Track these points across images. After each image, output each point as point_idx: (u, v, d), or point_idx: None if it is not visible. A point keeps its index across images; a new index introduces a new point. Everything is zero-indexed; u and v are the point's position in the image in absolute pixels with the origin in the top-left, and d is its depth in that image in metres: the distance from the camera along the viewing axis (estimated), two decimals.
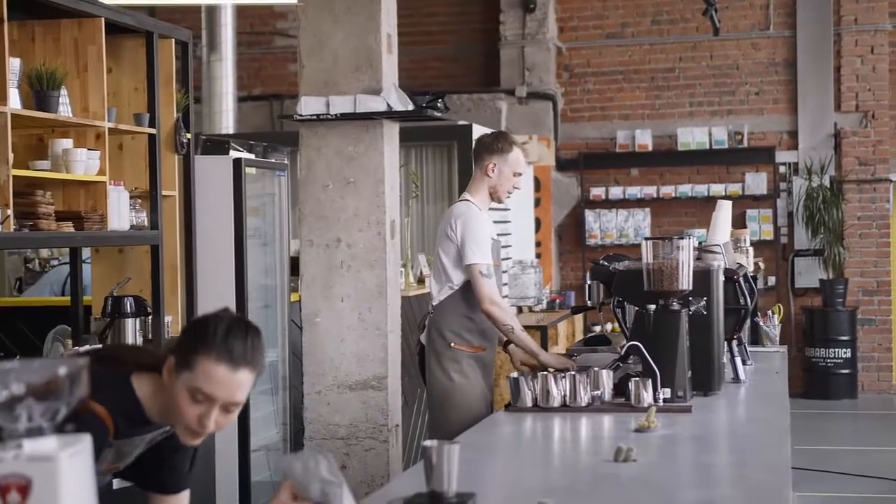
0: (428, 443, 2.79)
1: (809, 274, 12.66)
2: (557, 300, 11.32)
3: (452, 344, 5.25)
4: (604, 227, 13.05)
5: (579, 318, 11.38)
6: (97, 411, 2.65)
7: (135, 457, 2.87)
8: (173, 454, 2.93)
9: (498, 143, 5.41)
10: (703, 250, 5.23)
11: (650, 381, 4.28)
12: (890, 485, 8.41)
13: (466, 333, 5.24)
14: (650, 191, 12.91)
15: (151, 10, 12.45)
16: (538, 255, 12.30)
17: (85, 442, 1.84)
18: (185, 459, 2.98)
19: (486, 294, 5.14)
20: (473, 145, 5.61)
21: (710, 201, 12.62)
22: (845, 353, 12.32)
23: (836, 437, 10.81)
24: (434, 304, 5.36)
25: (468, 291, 5.22)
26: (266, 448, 6.77)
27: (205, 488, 5.89)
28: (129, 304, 5.53)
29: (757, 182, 12.75)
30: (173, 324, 5.95)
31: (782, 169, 12.84)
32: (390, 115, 6.04)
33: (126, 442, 2.79)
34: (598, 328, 11.89)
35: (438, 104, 6.46)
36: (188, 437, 2.73)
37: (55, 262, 8.09)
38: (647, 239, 4.53)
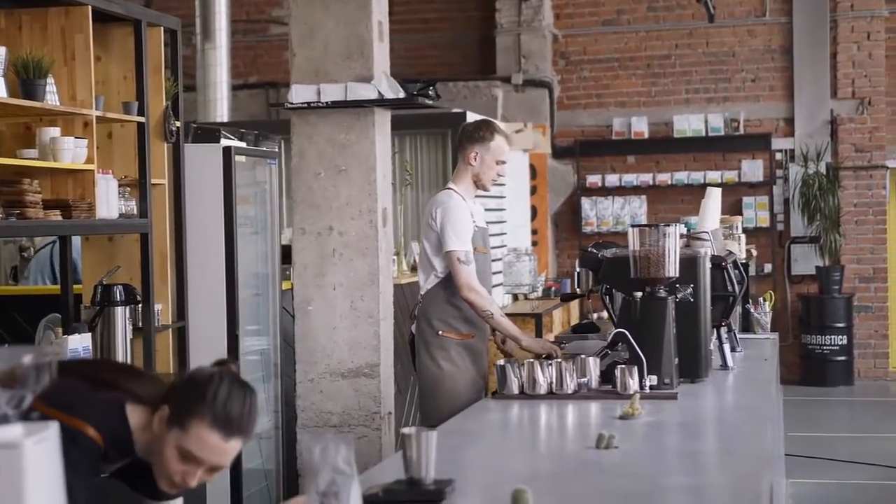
0: (406, 430, 2.80)
1: (806, 261, 12.66)
2: (553, 288, 11.32)
3: (440, 332, 5.28)
4: (600, 214, 13.05)
5: (575, 305, 11.38)
6: (91, 435, 2.62)
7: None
8: None
9: (479, 131, 5.42)
10: (691, 237, 5.23)
11: (636, 368, 4.28)
12: (885, 471, 8.43)
13: (453, 321, 5.27)
14: (646, 178, 12.91)
15: None
16: (534, 243, 12.31)
17: (51, 429, 1.84)
18: None
19: (463, 281, 5.17)
20: (458, 134, 5.62)
21: (706, 189, 12.58)
22: (841, 340, 12.32)
23: (832, 423, 10.82)
24: (421, 293, 5.40)
25: (453, 279, 5.25)
26: (258, 436, 6.77)
27: None
28: (118, 293, 5.53)
29: (753, 169, 12.74)
30: (163, 312, 5.95)
31: (778, 156, 12.83)
32: (381, 102, 6.04)
33: (111, 467, 2.77)
34: (594, 316, 11.91)
35: (430, 92, 6.45)
36: (168, 488, 2.71)
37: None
38: (633, 226, 4.53)
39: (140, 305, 5.67)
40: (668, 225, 4.50)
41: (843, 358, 12.36)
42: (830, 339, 12.32)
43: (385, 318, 6.15)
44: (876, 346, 12.71)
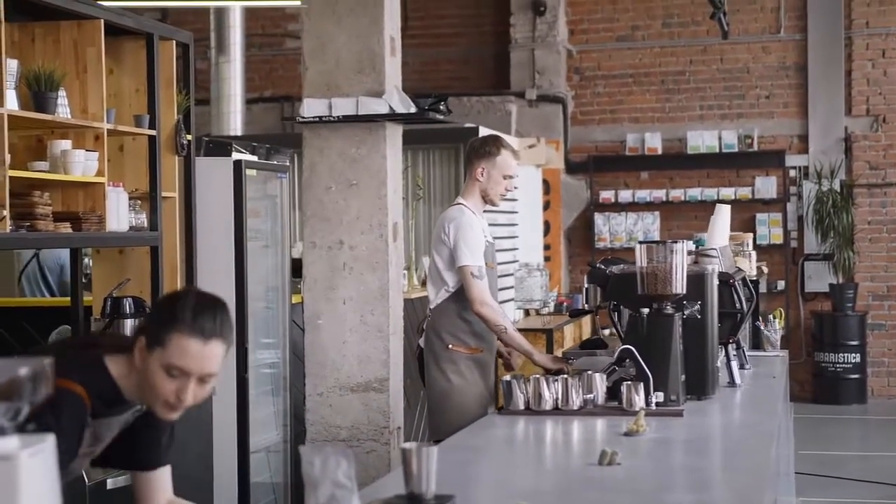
0: (406, 445, 2.80)
1: (819, 278, 12.62)
2: (565, 303, 11.31)
3: (450, 346, 5.30)
4: (613, 230, 13.03)
5: (587, 321, 11.37)
6: (75, 389, 2.72)
7: (110, 440, 2.91)
8: (148, 431, 2.98)
9: (486, 146, 5.46)
10: (699, 254, 5.22)
11: (642, 384, 4.28)
12: (895, 490, 8.39)
13: (463, 335, 5.30)
14: (660, 194, 12.90)
15: (164, 12, 12.51)
16: (547, 259, 12.31)
17: (47, 442, 1.85)
18: (161, 435, 3.03)
19: (476, 296, 5.19)
20: (466, 150, 5.65)
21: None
22: (855, 357, 12.28)
23: (845, 442, 10.77)
24: (431, 307, 5.42)
25: (463, 294, 5.27)
26: (266, 449, 6.78)
27: (203, 489, 5.90)
28: (128, 305, 5.55)
29: (767, 186, 12.71)
30: None
31: (792, 173, 12.81)
32: (393, 117, 6.06)
33: (102, 423, 2.84)
34: (606, 332, 11.89)
35: (441, 107, 6.46)
36: (166, 412, 2.79)
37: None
38: (641, 243, 4.53)
39: None
40: (676, 242, 4.50)
41: (856, 376, 12.31)
42: (844, 356, 12.27)
43: (395, 333, 6.15)
44: (890, 364, 12.66)
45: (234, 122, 10.91)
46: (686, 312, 4.54)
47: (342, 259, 6.06)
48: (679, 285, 4.46)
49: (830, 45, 12.67)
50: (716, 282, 4.77)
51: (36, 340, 6.09)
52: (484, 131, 10.18)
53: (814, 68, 12.73)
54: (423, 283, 8.09)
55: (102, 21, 5.31)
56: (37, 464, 1.81)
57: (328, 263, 6.02)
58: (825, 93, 12.69)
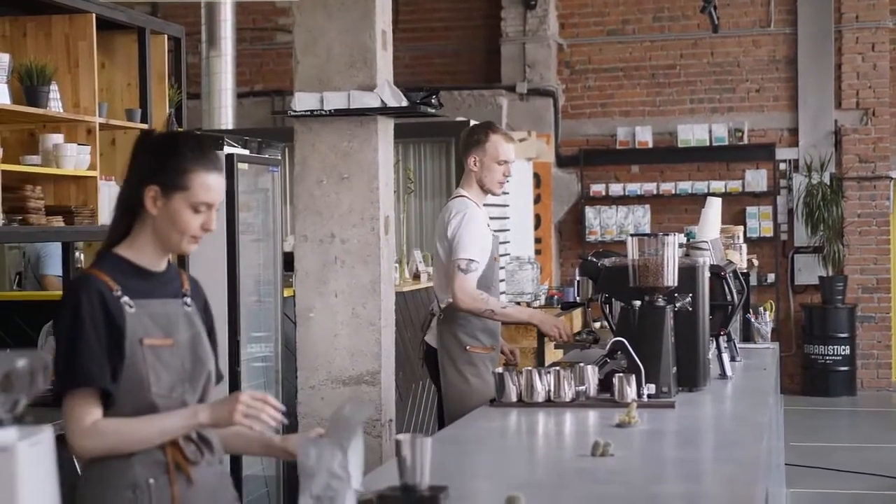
0: (400, 436, 2.81)
1: (809, 271, 12.67)
2: (556, 296, 11.32)
3: (468, 347, 5.26)
4: (604, 223, 13.06)
5: (578, 314, 11.38)
6: (86, 273, 2.84)
7: (188, 333, 2.96)
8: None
9: (474, 135, 5.42)
10: (690, 247, 5.24)
11: (634, 376, 4.29)
12: (885, 481, 8.43)
13: (479, 333, 5.25)
14: (650, 187, 12.92)
15: (154, 6, 12.49)
16: (538, 252, 12.32)
17: (45, 433, 1.86)
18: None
19: (457, 289, 5.15)
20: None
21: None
22: (844, 350, 12.32)
23: (834, 434, 10.82)
24: (442, 305, 5.34)
25: (480, 289, 5.21)
26: None
27: None
28: None
29: (757, 179, 12.75)
30: None
31: (782, 166, 12.85)
32: (384, 111, 6.06)
33: (149, 304, 2.87)
34: (597, 324, 11.90)
35: (432, 101, 6.47)
36: (190, 246, 2.90)
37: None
38: (632, 235, 4.54)
39: None
40: (667, 234, 4.51)
41: (845, 368, 12.36)
42: (833, 349, 12.32)
43: (387, 326, 6.16)
44: (879, 356, 12.71)
45: (226, 116, 10.90)
46: (677, 305, 4.55)
47: (334, 252, 6.07)
48: (671, 278, 4.47)
49: (820, 39, 12.70)
50: (707, 274, 4.79)
51: (27, 335, 6.09)
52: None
53: (804, 62, 12.76)
54: (415, 277, 8.09)
55: (94, 15, 5.31)
56: (35, 454, 1.83)
57: (320, 257, 6.02)
58: (815, 86, 12.72)
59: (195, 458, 2.90)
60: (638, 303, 4.48)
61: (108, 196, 5.36)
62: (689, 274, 4.63)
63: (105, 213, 5.33)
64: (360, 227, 6.08)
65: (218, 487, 2.97)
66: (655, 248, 4.47)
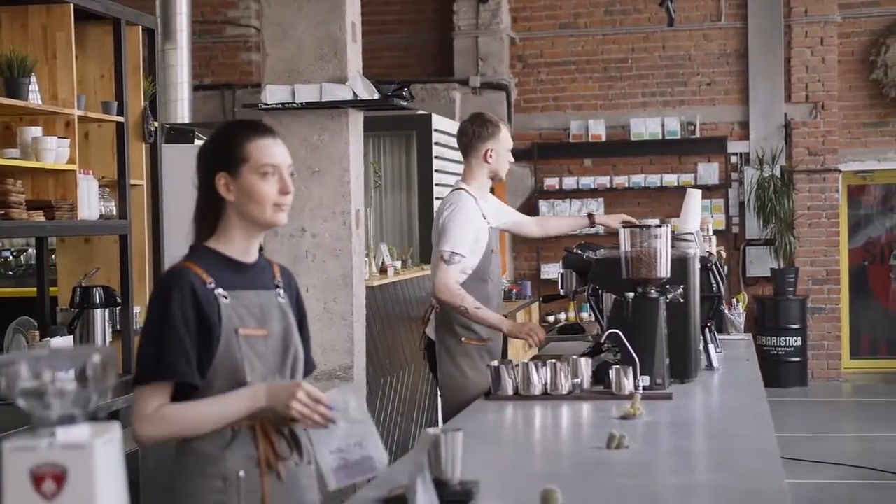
0: (432, 430, 2.79)
1: (761, 263, 12.79)
2: (514, 290, 11.35)
3: (463, 339, 5.24)
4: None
5: (535, 307, 11.43)
6: (188, 266, 2.85)
7: (282, 323, 2.96)
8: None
9: (488, 128, 5.42)
10: (676, 238, 5.25)
11: (630, 368, 4.30)
12: (842, 470, 8.54)
13: (475, 326, 5.22)
14: (604, 181, 12.97)
15: None
16: None
17: (116, 430, 1.82)
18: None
19: (437, 280, 5.15)
20: (458, 136, 5.56)
21: (662, 191, 12.72)
22: (796, 341, 12.46)
23: (788, 424, 10.92)
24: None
25: (472, 282, 5.19)
26: None
27: None
28: (98, 295, 5.46)
29: (709, 172, 12.84)
30: (141, 314, 5.88)
31: (734, 159, 12.96)
32: (356, 103, 6.03)
33: (240, 295, 2.88)
34: (563, 316, 11.96)
35: (404, 93, 6.45)
36: (277, 216, 2.91)
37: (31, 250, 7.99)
38: (624, 226, 4.55)
39: (119, 308, 5.61)
40: (660, 226, 4.52)
41: (797, 359, 12.50)
42: (785, 340, 12.45)
43: (358, 321, 6.12)
44: (829, 346, 12.87)
45: (182, 109, 10.76)
46: (669, 296, 4.56)
47: (304, 247, 6.04)
48: (664, 269, 4.48)
49: (770, 33, 12.82)
50: (697, 265, 4.81)
51: None
52: (437, 119, 10.18)
53: (754, 56, 12.87)
54: (382, 271, 8.05)
55: (72, 6, 5.21)
56: (109, 451, 1.79)
57: (291, 251, 5.99)
58: (765, 80, 12.84)
59: (286, 455, 2.89)
60: (631, 294, 4.49)
61: (86, 190, 5.26)
62: (680, 265, 4.65)
63: (84, 207, 5.24)
64: (332, 220, 6.05)
65: (306, 486, 2.95)
66: (647, 239, 4.47)
